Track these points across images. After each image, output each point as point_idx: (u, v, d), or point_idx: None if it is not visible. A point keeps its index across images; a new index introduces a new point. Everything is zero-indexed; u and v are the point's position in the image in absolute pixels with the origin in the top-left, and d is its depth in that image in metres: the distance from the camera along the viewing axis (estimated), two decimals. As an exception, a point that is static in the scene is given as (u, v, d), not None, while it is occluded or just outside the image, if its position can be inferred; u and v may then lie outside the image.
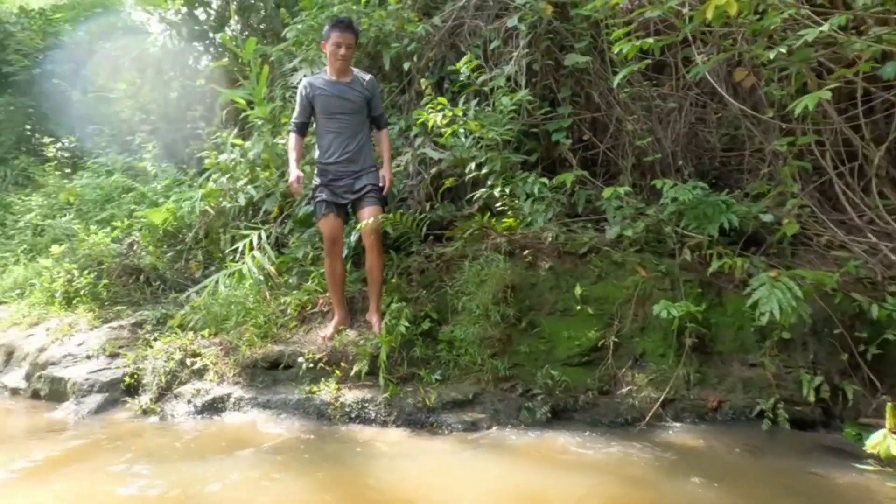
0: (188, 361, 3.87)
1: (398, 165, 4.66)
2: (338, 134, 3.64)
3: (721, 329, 3.15)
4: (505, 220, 3.94)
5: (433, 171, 4.52)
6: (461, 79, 4.32)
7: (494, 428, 3.06)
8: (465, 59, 4.33)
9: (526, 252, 3.76)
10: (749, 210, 3.18)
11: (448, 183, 4.29)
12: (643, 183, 3.82)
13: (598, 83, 4.14)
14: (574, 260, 3.65)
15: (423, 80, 4.38)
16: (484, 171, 3.96)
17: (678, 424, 2.93)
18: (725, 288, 3.17)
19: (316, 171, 3.70)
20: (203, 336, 4.11)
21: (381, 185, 3.72)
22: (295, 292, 4.20)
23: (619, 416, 3.02)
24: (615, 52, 3.27)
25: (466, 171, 4.03)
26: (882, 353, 2.86)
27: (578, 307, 3.34)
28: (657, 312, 2.95)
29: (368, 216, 3.59)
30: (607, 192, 3.65)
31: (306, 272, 4.38)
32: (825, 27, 2.33)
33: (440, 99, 4.10)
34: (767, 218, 3.15)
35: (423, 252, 4.17)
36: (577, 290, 3.36)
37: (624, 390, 3.04)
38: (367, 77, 3.79)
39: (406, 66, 4.84)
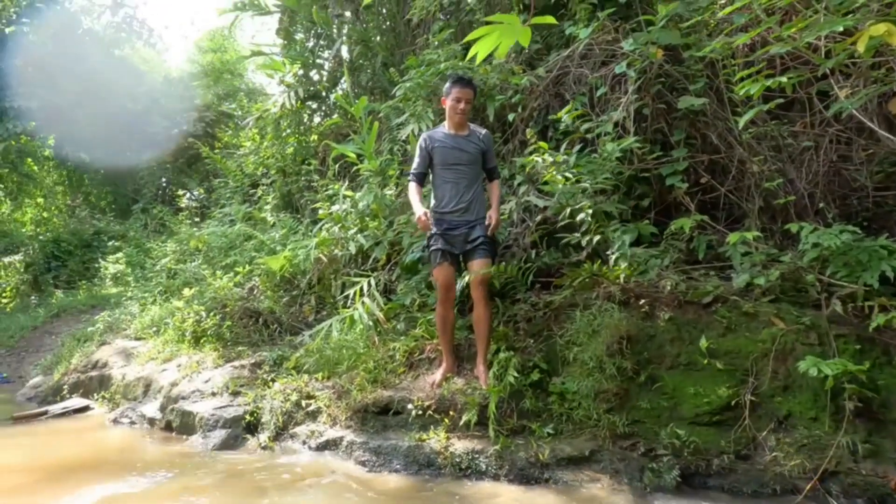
0: (303, 403, 4.01)
1: (503, 213, 4.67)
2: (454, 184, 3.79)
3: (894, 393, 2.73)
4: (617, 268, 3.80)
5: (538, 217, 4.48)
6: (562, 127, 4.33)
7: (615, 489, 2.85)
8: (567, 108, 4.33)
9: (642, 301, 3.57)
10: (917, 257, 2.77)
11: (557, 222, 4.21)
12: (774, 227, 3.52)
13: (715, 124, 3.96)
14: (697, 310, 3.40)
15: (528, 130, 4.43)
16: (580, 217, 3.87)
17: (846, 502, 2.55)
18: (893, 346, 2.76)
19: (432, 221, 3.78)
20: (317, 379, 4.26)
21: (488, 225, 3.78)
22: (403, 338, 4.27)
23: (763, 485, 2.69)
24: (740, 92, 3.11)
25: (561, 217, 3.98)
26: None
27: (705, 361, 3.08)
28: (804, 370, 2.62)
29: (479, 268, 3.67)
30: (733, 237, 3.40)
31: (413, 318, 4.44)
32: None
33: (542, 144, 4.12)
34: (938, 268, 2.73)
35: (529, 300, 4.09)
36: (703, 343, 3.11)
37: (767, 457, 2.71)
38: (483, 131, 3.94)
39: (510, 116, 4.92)
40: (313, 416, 3.95)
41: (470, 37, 1.84)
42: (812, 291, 3.02)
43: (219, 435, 3.96)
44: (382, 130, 6.28)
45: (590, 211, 3.81)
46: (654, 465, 2.89)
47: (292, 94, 7.87)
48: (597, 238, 3.80)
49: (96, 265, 9.30)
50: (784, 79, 2.75)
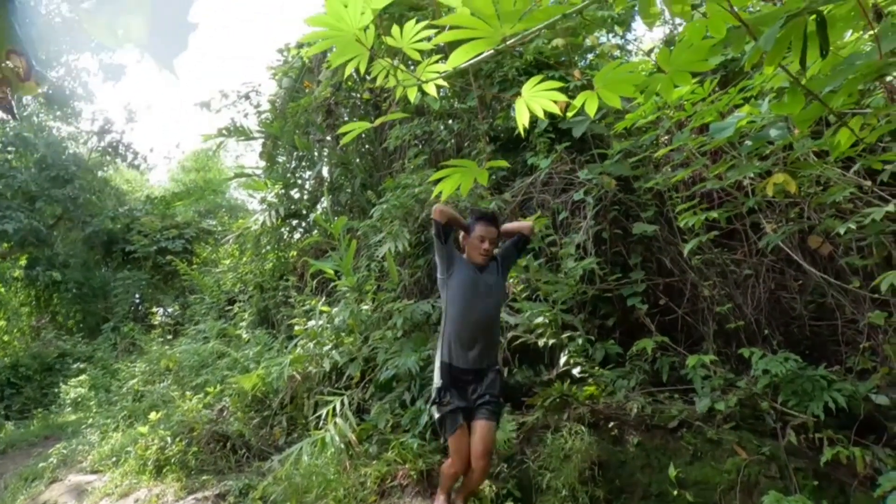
0: (268, 540, 3.81)
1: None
2: (470, 336, 3.15)
3: (854, 535, 2.73)
4: (586, 388, 3.88)
5: (509, 335, 4.61)
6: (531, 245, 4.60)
7: None
8: (536, 216, 4.65)
9: (611, 424, 3.62)
10: (856, 390, 2.93)
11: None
12: (729, 351, 3.70)
13: (668, 249, 4.25)
14: (664, 434, 3.46)
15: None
16: (538, 321, 4.02)
17: None
18: (848, 483, 2.81)
19: (439, 374, 3.17)
20: (284, 511, 4.08)
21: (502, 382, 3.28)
22: (375, 462, 4.18)
23: None
24: (682, 223, 3.41)
25: (533, 335, 4.12)
26: None
27: (675, 492, 3.09)
28: None
29: (486, 432, 3.06)
30: (691, 360, 3.55)
31: (386, 441, 4.38)
32: (890, 207, 2.37)
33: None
34: (882, 400, 2.88)
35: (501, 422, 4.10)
36: (672, 472, 3.14)
37: None
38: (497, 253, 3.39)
39: (480, 238, 5.20)
40: (279, 554, 3.74)
41: (434, 177, 2.12)
42: (768, 419, 3.12)
43: (176, 582, 3.70)
44: (360, 248, 6.52)
45: (547, 315, 3.97)
46: None
47: (273, 212, 8.18)
48: (552, 342, 3.89)
49: (56, 390, 8.88)
50: (716, 213, 3.05)
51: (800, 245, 3.28)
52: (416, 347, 4.87)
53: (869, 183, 2.72)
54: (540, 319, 4.21)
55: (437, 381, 3.17)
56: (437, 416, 3.13)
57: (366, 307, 5.49)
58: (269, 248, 8.21)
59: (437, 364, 3.22)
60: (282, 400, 5.66)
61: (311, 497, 4.06)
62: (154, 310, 8.71)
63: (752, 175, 3.18)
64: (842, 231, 2.56)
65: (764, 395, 3.13)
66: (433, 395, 3.19)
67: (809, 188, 3.07)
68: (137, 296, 10.98)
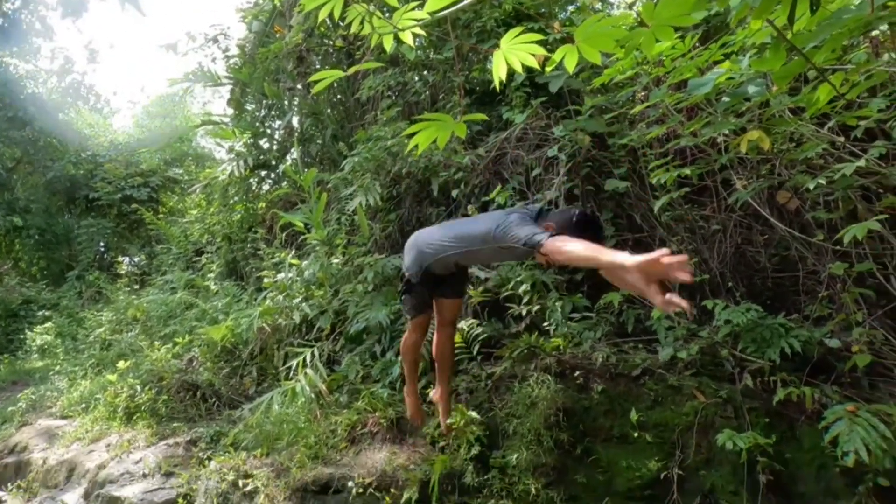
0: (240, 483, 3.86)
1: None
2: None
3: (800, 467, 2.93)
4: (553, 339, 3.97)
5: (479, 289, 4.65)
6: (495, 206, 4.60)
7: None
8: (497, 189, 4.63)
9: (577, 373, 3.73)
10: (811, 335, 3.09)
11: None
12: (693, 303, 3.80)
13: (638, 205, 4.30)
14: (627, 382, 3.58)
15: (469, 207, 4.67)
16: (522, 288, 4.08)
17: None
18: (797, 420, 3.00)
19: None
20: (255, 456, 4.13)
21: None
22: (345, 411, 4.24)
23: (690, 559, 2.79)
24: (654, 180, 3.45)
25: (503, 289, 4.17)
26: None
27: (636, 434, 3.23)
28: (722, 443, 2.81)
29: (450, 304, 3.54)
30: (656, 312, 3.66)
31: (356, 391, 4.44)
32: (861, 162, 2.43)
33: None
34: (833, 343, 3.04)
35: (471, 371, 4.19)
36: (633, 416, 3.27)
37: (694, 531, 2.83)
38: None
39: (454, 192, 5.18)
40: (250, 496, 3.80)
41: (408, 131, 2.06)
42: (727, 366, 3.27)
43: (148, 522, 3.75)
44: (331, 200, 6.41)
45: (530, 282, 4.01)
46: (591, 541, 2.95)
47: (241, 162, 7.95)
48: (535, 308, 3.97)
49: (21, 336, 8.71)
50: (688, 170, 3.08)
51: (768, 201, 3.37)
52: (387, 301, 4.89)
53: (842, 139, 2.77)
54: (513, 276, 4.26)
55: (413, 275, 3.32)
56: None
57: (336, 261, 5.45)
58: (237, 199, 8.02)
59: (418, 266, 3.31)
60: (251, 351, 5.66)
61: (282, 444, 4.12)
62: (120, 259, 8.49)
63: (726, 132, 3.21)
64: (811, 187, 2.63)
65: (724, 344, 3.27)
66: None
67: (782, 145, 3.11)
68: (102, 244, 10.65)
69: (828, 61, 2.03)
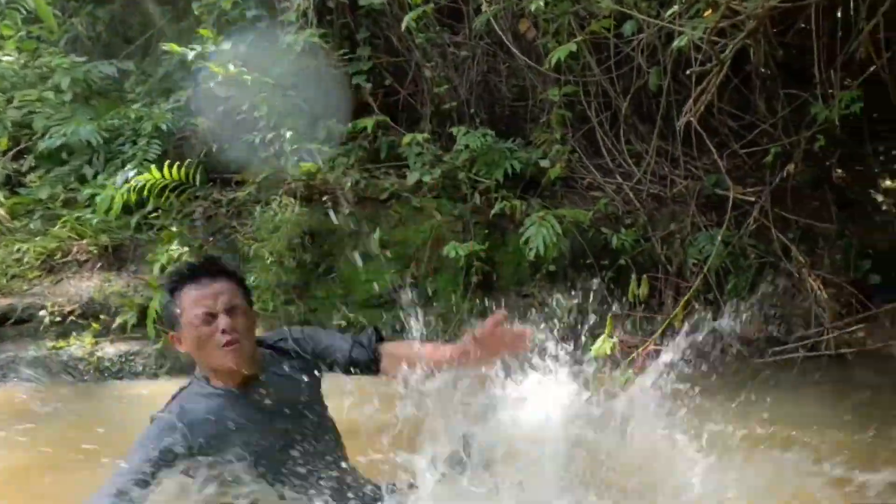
0: None
1: (178, 101, 4.14)
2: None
3: (503, 266, 3.43)
4: (303, 164, 3.76)
5: (220, 108, 4.08)
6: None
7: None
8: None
9: (325, 198, 3.65)
10: (529, 156, 3.47)
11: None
12: (442, 130, 3.90)
13: (395, 27, 4.07)
14: (375, 205, 3.65)
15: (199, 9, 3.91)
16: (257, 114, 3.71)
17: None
18: (508, 228, 3.44)
19: None
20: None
21: None
22: (38, 239, 3.54)
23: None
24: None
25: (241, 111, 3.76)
26: (616, 276, 3.33)
27: (377, 251, 3.36)
28: (446, 252, 3.13)
29: None
30: (406, 138, 3.70)
31: (56, 216, 3.70)
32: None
33: (204, 32, 3.85)
34: (545, 163, 3.47)
35: (210, 196, 3.81)
36: (377, 235, 3.38)
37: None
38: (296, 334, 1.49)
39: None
40: None
41: None
42: (463, 187, 3.53)
43: None
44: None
45: (264, 108, 3.65)
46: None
47: None
48: (271, 135, 3.67)
49: None
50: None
51: (511, 29, 3.48)
52: (97, 116, 4.02)
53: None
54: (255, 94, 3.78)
55: None
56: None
57: (7, 58, 4.20)
58: None
59: None
60: None
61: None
62: None
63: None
64: (532, 7, 2.72)
65: (463, 167, 3.49)
66: None
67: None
68: None
69: None
